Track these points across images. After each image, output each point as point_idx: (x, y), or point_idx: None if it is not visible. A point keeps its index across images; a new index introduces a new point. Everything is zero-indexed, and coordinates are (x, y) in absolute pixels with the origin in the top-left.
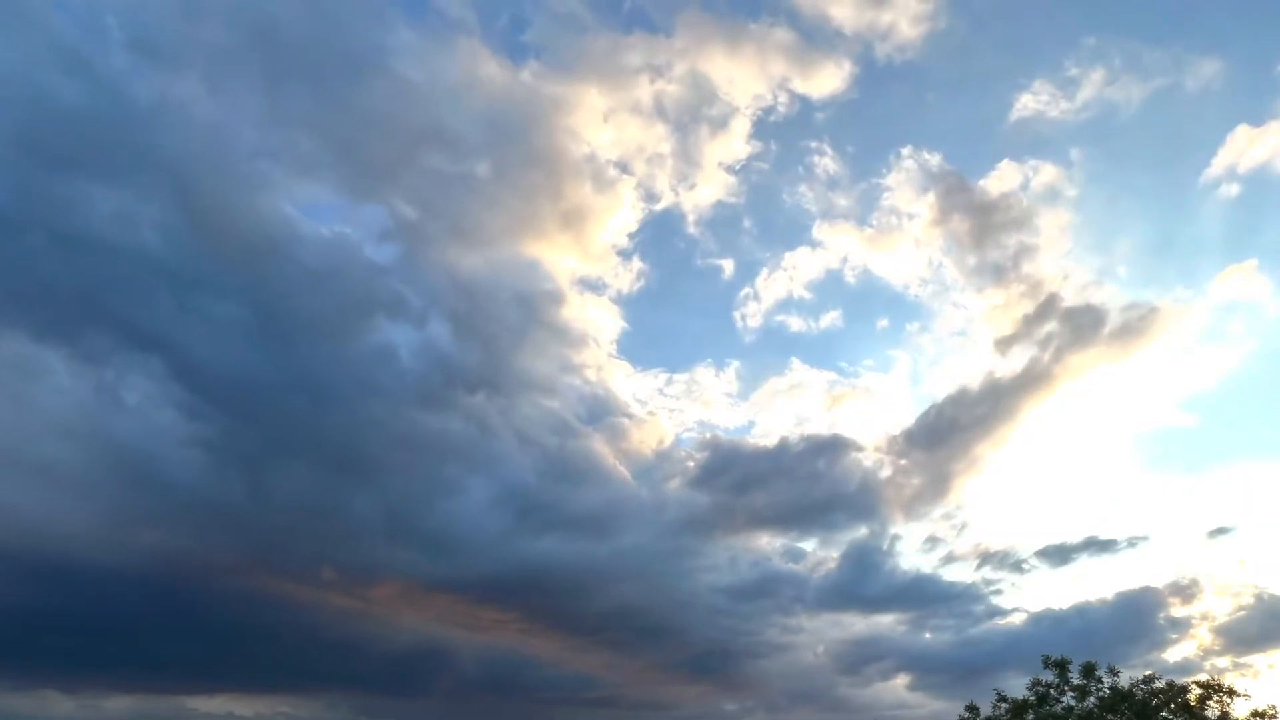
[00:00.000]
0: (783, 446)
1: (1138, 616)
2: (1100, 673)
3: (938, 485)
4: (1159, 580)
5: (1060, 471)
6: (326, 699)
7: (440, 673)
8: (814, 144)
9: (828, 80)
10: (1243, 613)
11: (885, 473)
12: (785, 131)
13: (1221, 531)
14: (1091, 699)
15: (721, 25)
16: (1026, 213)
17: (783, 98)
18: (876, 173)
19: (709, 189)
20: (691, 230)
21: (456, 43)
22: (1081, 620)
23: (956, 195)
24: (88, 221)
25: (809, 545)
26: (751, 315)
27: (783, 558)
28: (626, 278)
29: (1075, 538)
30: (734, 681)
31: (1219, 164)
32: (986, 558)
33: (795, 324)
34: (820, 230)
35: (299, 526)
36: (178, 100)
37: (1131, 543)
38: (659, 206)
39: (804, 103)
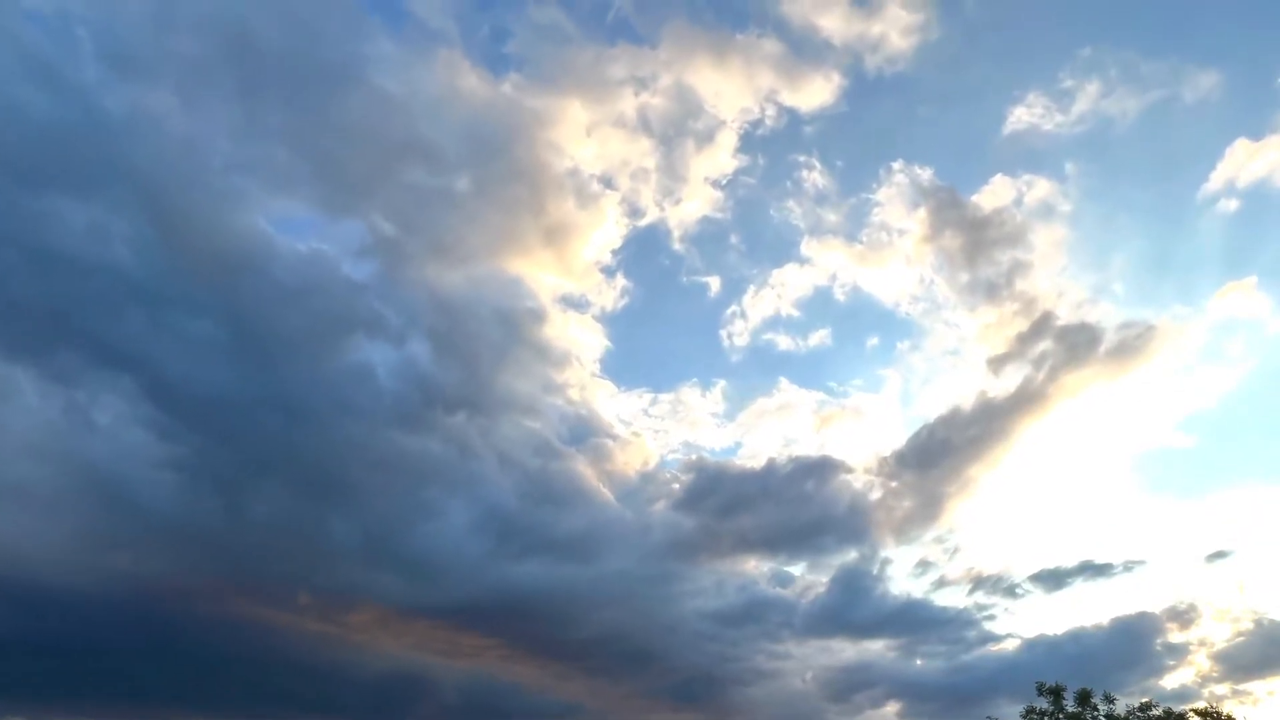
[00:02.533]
0: (770, 468)
1: (1134, 642)
2: (1096, 700)
3: (929, 508)
4: (1156, 605)
5: (1055, 494)
6: None
7: (419, 700)
8: (802, 158)
9: (816, 93)
10: (1242, 638)
11: (875, 495)
12: (773, 145)
13: (1220, 555)
14: None
15: (708, 36)
16: (1020, 228)
17: (770, 111)
18: (866, 188)
19: (695, 204)
20: (677, 246)
21: (436, 54)
22: (1077, 646)
23: (948, 211)
24: (58, 237)
25: (797, 569)
26: (738, 334)
27: (770, 582)
28: (610, 295)
29: (1070, 561)
30: (720, 708)
31: (1217, 178)
32: (979, 582)
33: (783, 343)
34: (809, 246)
35: (274, 549)
36: (150, 113)
37: (1128, 567)
38: (643, 222)
39: (792, 116)
